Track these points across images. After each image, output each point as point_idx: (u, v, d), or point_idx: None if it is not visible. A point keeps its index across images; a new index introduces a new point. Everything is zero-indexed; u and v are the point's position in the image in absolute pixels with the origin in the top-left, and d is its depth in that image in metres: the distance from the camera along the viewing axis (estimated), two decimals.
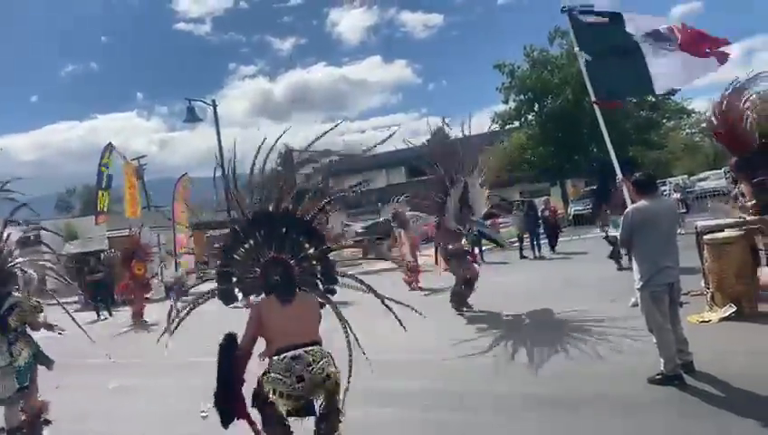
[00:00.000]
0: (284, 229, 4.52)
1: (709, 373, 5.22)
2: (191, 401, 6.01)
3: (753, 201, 7.32)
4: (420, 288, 13.60)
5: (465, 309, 9.99)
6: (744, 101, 7.13)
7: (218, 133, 23.69)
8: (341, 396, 4.17)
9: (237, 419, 4.14)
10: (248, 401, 4.09)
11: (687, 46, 7.19)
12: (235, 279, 4.60)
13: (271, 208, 4.57)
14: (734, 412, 4.45)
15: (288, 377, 3.78)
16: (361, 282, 4.70)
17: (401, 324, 4.87)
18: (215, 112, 23.80)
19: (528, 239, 17.89)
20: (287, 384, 3.77)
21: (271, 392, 3.81)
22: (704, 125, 44.93)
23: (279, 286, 4.20)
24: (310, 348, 3.89)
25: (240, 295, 4.70)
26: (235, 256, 4.60)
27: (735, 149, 7.26)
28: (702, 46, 7.22)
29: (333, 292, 4.63)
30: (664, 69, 7.21)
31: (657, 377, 5.19)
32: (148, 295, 15.08)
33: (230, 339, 4.14)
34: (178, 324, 4.57)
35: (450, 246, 10.13)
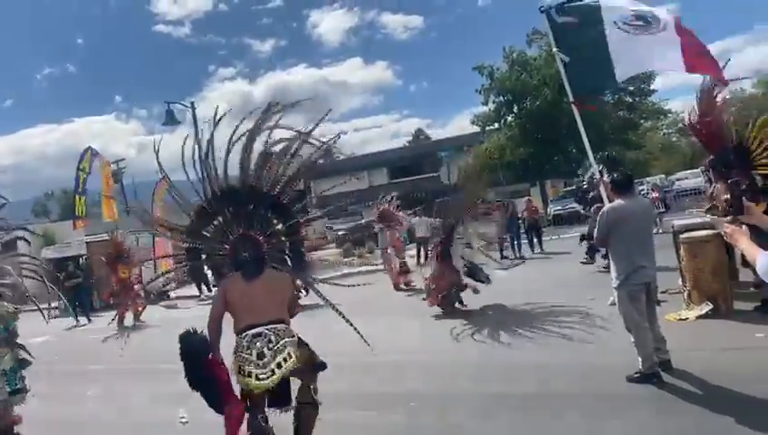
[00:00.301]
0: (252, 205, 4.47)
1: (686, 371, 5.28)
2: (169, 408, 5.95)
3: (727, 198, 7.42)
4: (407, 287, 13.61)
5: (450, 308, 9.99)
6: (721, 100, 7.21)
7: (197, 136, 23.49)
8: (312, 386, 4.16)
9: (223, 398, 4.05)
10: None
11: (682, 35, 7.10)
12: (204, 256, 4.55)
13: (237, 184, 4.51)
14: (712, 409, 4.50)
15: (249, 354, 3.75)
16: (319, 292, 4.68)
17: (361, 336, 4.80)
18: (193, 115, 23.62)
19: (509, 240, 17.97)
20: (249, 361, 3.75)
21: (238, 371, 3.80)
22: (681, 124, 45.68)
23: (247, 263, 4.15)
24: (273, 326, 3.85)
25: (209, 273, 4.67)
26: (205, 232, 4.56)
27: (712, 148, 7.34)
28: (695, 58, 7.17)
29: (303, 268, 4.58)
30: (625, 55, 7.15)
31: (636, 375, 5.24)
32: (138, 300, 14.83)
33: (191, 332, 4.12)
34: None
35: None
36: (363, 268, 13.99)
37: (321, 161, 5.13)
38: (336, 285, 4.84)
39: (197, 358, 4.03)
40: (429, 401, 5.62)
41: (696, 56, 7.04)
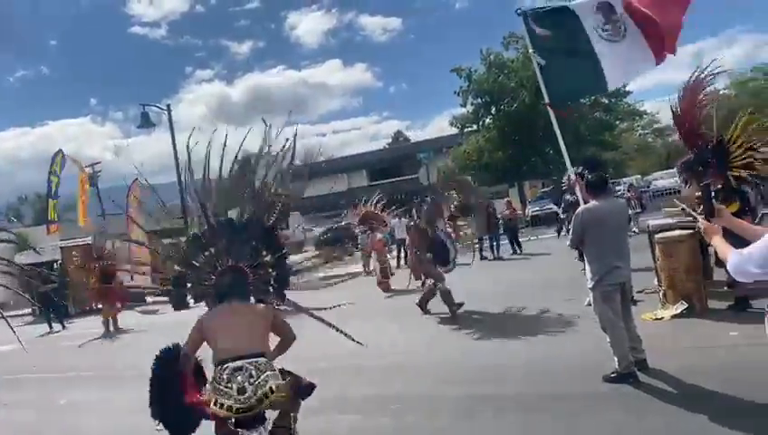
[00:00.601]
0: (246, 237, 4.46)
1: (662, 370, 5.33)
2: (145, 416, 5.85)
3: (698, 196, 7.52)
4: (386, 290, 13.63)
5: (425, 311, 10.01)
6: (703, 97, 7.29)
7: (173, 138, 23.28)
8: (293, 414, 4.11)
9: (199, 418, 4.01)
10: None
11: (642, 18, 7.08)
12: (189, 284, 4.52)
13: (235, 217, 4.51)
14: (687, 408, 4.54)
15: (229, 388, 3.66)
16: (297, 306, 4.67)
17: (353, 339, 4.80)
18: (169, 117, 23.36)
19: (488, 240, 18.07)
20: (228, 395, 3.65)
21: (213, 403, 3.69)
22: (657, 125, 46.37)
23: (231, 294, 4.13)
24: (254, 360, 3.77)
25: (192, 302, 4.62)
26: (194, 262, 4.52)
27: (691, 144, 7.38)
28: (652, 31, 7.13)
29: (284, 297, 4.56)
30: (611, 63, 7.21)
31: (612, 375, 5.27)
32: (120, 304, 14.63)
33: (171, 350, 4.07)
34: None
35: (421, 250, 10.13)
36: (344, 271, 13.98)
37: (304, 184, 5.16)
38: (324, 285, 4.83)
39: (170, 375, 4.00)
40: (414, 403, 5.62)
41: (656, 40, 7.00)
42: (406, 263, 19.84)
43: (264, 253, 4.56)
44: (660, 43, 6.95)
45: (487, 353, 7.01)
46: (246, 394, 3.64)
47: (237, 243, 4.44)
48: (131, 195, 20.81)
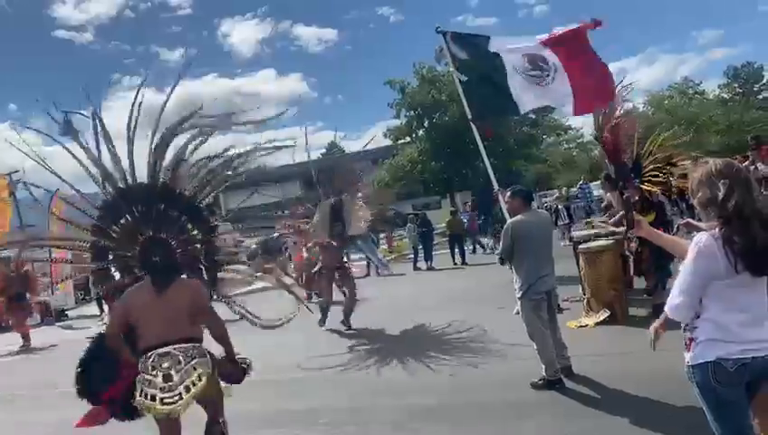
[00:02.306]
0: (162, 206, 4.20)
1: (587, 376, 5.52)
2: None
3: (621, 212, 7.89)
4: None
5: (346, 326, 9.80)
6: (619, 117, 7.67)
7: (98, 146, 22.39)
8: (223, 419, 3.90)
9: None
10: None
11: (571, 70, 7.52)
12: (111, 256, 4.24)
13: (146, 182, 4.25)
14: (611, 412, 4.73)
15: (154, 376, 3.45)
16: (236, 307, 4.52)
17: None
18: (94, 125, 22.46)
19: (422, 251, 18.24)
20: (153, 384, 3.44)
21: (138, 394, 3.48)
22: (580, 139, 48.21)
23: (157, 269, 3.77)
24: (181, 345, 3.53)
25: (117, 275, 4.35)
26: (111, 231, 4.24)
27: (612, 159, 7.74)
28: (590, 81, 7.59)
29: (215, 282, 4.35)
30: (522, 92, 7.57)
31: (539, 382, 5.43)
32: (25, 319, 13.88)
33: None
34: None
35: (321, 263, 10.02)
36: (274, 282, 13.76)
37: (242, 168, 4.85)
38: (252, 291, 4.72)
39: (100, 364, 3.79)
40: (343, 416, 5.59)
41: (585, 96, 7.53)
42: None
43: (191, 227, 4.31)
44: (586, 101, 7.42)
45: (415, 365, 7.04)
46: (172, 381, 3.42)
47: (154, 211, 4.18)
48: (53, 207, 19.86)
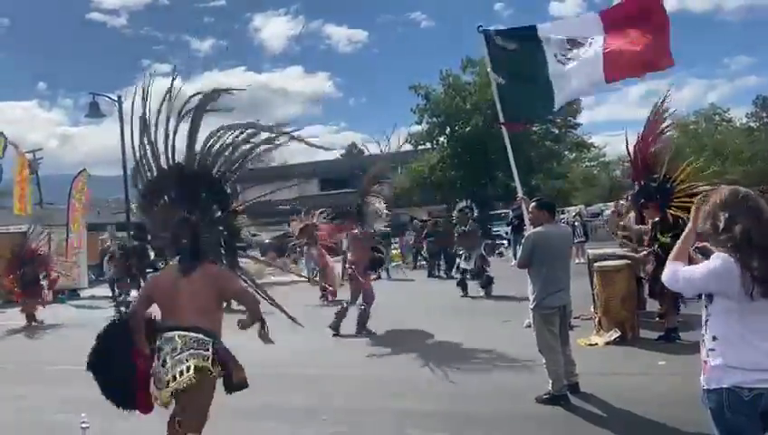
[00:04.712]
0: (197, 189, 4.24)
1: (593, 394, 5.48)
2: (70, 412, 5.65)
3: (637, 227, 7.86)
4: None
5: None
6: (660, 133, 7.61)
7: (122, 131, 22.66)
8: (206, 394, 3.71)
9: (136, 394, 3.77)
10: None
11: (615, 39, 7.06)
12: (149, 236, 4.33)
13: (183, 165, 4.27)
14: (615, 431, 4.69)
15: (157, 359, 3.49)
16: (259, 289, 4.47)
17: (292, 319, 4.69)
18: (119, 109, 22.75)
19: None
20: (155, 369, 3.50)
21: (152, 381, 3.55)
22: (603, 159, 47.86)
23: (185, 251, 3.81)
24: (184, 333, 3.51)
25: (152, 254, 4.42)
26: (150, 213, 4.31)
27: (639, 176, 7.65)
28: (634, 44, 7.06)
29: (235, 265, 4.33)
30: (559, 86, 7.29)
31: (545, 396, 5.38)
32: (39, 298, 14.04)
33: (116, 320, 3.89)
34: None
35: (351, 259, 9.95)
36: (288, 279, 13.81)
37: (269, 148, 4.81)
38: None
39: (118, 342, 3.78)
40: (342, 415, 5.59)
41: (618, 60, 6.88)
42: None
43: (215, 207, 4.31)
44: (618, 65, 7.00)
45: (421, 371, 7.02)
46: (165, 367, 3.42)
47: (189, 192, 4.21)
48: (75, 186, 20.11)
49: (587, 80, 7.19)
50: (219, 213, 4.35)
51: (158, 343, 3.58)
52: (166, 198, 4.28)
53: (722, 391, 2.49)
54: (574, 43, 7.20)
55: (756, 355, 2.45)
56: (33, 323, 13.18)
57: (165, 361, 3.44)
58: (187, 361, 3.41)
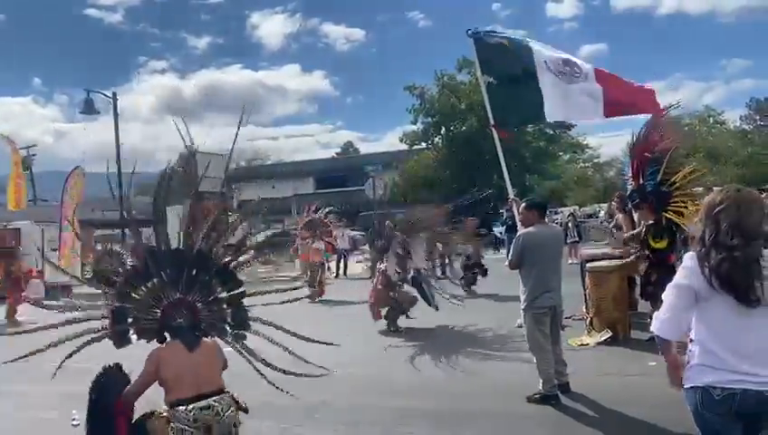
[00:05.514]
0: (195, 270, 4.12)
1: (584, 394, 5.51)
2: (61, 409, 5.66)
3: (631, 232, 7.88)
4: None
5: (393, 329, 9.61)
6: (664, 133, 7.65)
7: (116, 128, 22.63)
8: None
9: None
10: None
11: (606, 83, 7.40)
12: (131, 320, 4.07)
13: (182, 247, 4.14)
14: (605, 431, 4.73)
15: (197, 429, 3.53)
16: (270, 323, 4.46)
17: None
18: (114, 106, 22.70)
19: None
20: None
21: None
22: (597, 160, 48.04)
23: (183, 331, 3.87)
24: (218, 397, 3.68)
25: (134, 338, 4.32)
26: (135, 294, 4.07)
27: (637, 176, 7.67)
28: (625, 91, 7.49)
29: (243, 337, 4.27)
30: (552, 97, 7.37)
31: (536, 396, 5.42)
32: (22, 294, 14.01)
33: (112, 371, 3.89)
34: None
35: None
36: (287, 278, 13.85)
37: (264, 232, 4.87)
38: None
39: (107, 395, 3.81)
40: (336, 414, 5.62)
41: (615, 103, 7.39)
42: (345, 274, 19.90)
43: (219, 289, 4.22)
44: (615, 106, 7.35)
45: (419, 370, 7.07)
46: (211, 433, 3.57)
47: (185, 275, 4.09)
48: (69, 183, 20.04)
49: (589, 108, 7.50)
50: (225, 293, 4.31)
51: (190, 414, 3.56)
52: (155, 281, 4.09)
53: (697, 389, 2.55)
54: (569, 63, 7.37)
55: (732, 357, 2.50)
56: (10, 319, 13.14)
57: (210, 427, 3.56)
58: (232, 419, 3.66)
